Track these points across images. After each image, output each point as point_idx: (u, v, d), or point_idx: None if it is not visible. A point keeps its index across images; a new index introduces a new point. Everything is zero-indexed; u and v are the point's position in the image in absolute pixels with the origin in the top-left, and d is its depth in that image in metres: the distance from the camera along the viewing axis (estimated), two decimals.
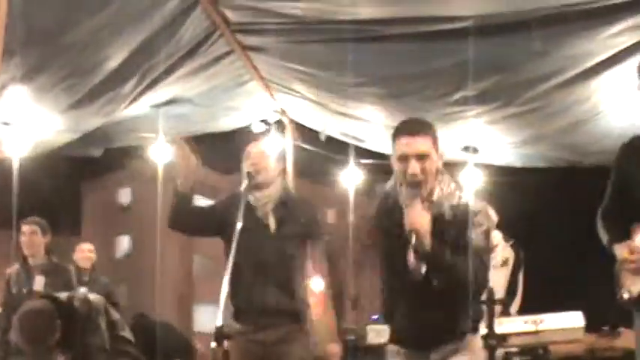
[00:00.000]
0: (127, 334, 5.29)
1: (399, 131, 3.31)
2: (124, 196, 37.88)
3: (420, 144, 3.23)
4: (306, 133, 8.63)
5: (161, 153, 8.06)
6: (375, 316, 7.65)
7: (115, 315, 5.18)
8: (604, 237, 3.80)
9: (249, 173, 4.21)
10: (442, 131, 7.30)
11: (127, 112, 7.32)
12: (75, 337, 4.80)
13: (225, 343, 3.48)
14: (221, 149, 10.13)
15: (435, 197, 3.26)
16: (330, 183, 10.86)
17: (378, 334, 6.26)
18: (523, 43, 5.91)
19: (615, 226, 3.75)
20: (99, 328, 4.92)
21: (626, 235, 3.65)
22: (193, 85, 7.16)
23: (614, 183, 3.83)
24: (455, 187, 3.35)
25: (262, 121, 8.64)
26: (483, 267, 3.26)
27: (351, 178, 8.92)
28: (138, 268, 30.92)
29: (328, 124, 8.09)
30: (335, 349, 4.34)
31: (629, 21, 5.52)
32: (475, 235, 3.23)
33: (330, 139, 8.46)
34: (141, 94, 6.71)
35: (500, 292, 5.52)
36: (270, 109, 8.43)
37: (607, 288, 3.76)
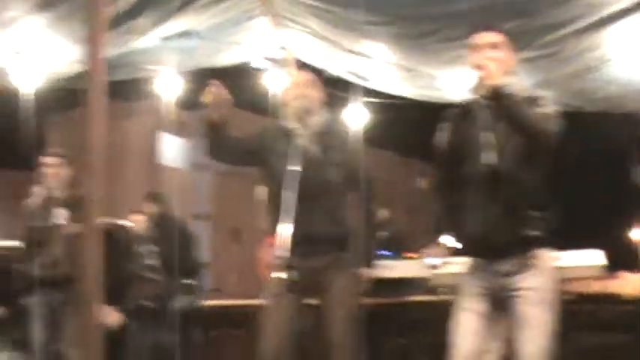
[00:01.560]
0: (153, 261, 5.37)
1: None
2: None
3: (490, 36, 3.67)
4: (308, 71, 8.61)
5: (167, 86, 8.02)
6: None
7: (143, 244, 5.25)
8: None
9: (299, 102, 4.21)
10: (454, 72, 7.44)
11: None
12: (113, 264, 4.84)
13: (291, 273, 3.55)
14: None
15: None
16: None
17: None
18: None
19: None
20: (135, 255, 4.99)
21: None
22: (205, 17, 7.08)
23: None
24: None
25: (265, 57, 8.62)
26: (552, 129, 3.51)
27: (355, 116, 8.93)
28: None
29: (334, 61, 8.08)
30: (368, 273, 4.38)
31: None
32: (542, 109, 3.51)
33: (331, 77, 8.44)
34: (156, 25, 6.63)
35: None
36: (273, 46, 8.39)
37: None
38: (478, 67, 3.56)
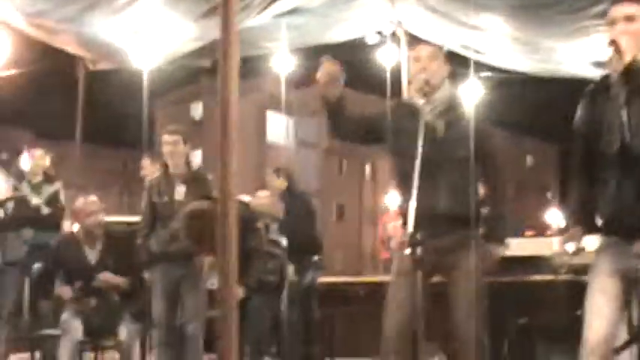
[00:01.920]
0: (276, 236, 5.39)
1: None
2: (196, 110, 38.10)
3: (625, 8, 3.47)
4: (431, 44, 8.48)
5: (283, 63, 8.04)
6: None
7: (267, 220, 5.27)
8: None
9: (423, 77, 4.09)
10: (576, 45, 7.16)
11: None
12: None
13: (418, 250, 3.48)
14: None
15: None
16: None
17: None
18: None
19: None
20: (257, 230, 5.00)
21: None
22: None
23: None
24: None
25: (377, 32, 8.54)
26: None
27: (471, 92, 8.75)
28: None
29: (448, 35, 7.91)
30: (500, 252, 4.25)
31: None
32: None
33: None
34: (270, 3, 6.63)
35: None
36: (386, 21, 8.29)
37: None
38: (611, 42, 3.40)
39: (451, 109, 4.16)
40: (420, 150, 3.74)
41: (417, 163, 3.67)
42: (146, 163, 8.37)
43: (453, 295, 4.07)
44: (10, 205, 7.23)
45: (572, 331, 5.76)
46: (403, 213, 4.02)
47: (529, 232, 6.86)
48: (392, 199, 23.12)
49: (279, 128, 37.37)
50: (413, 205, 3.57)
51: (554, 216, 24.57)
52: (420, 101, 4.04)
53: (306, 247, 6.70)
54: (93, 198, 5.84)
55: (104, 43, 7.19)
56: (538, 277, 5.90)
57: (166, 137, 5.81)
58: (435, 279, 4.18)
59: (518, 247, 6.18)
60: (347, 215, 38.48)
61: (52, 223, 7.39)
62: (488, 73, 8.77)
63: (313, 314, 6.93)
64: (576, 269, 5.79)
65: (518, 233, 6.88)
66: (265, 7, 6.71)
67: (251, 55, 8.86)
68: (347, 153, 40.18)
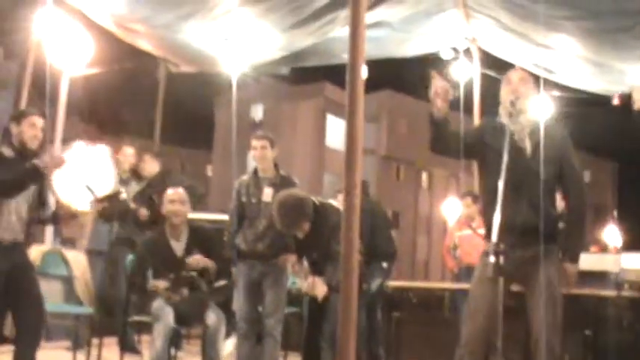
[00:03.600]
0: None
1: None
2: (256, 111, 38.61)
3: None
4: (493, 62, 8.73)
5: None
6: None
7: None
8: None
9: (511, 99, 4.35)
10: None
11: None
12: (323, 239, 5.18)
13: (501, 258, 3.74)
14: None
15: None
16: None
17: None
18: None
19: None
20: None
21: None
22: (400, 9, 7.33)
23: None
24: None
25: (451, 48, 8.80)
26: None
27: (541, 110, 8.95)
28: None
29: (520, 53, 8.15)
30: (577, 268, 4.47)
31: None
32: None
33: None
34: None
35: None
36: (460, 37, 8.56)
37: None
38: None
39: (538, 130, 4.40)
40: (505, 168, 4.03)
41: (502, 179, 3.96)
42: (129, 152, 8.43)
43: (531, 304, 4.30)
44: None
45: (634, 346, 5.97)
46: (487, 224, 4.34)
47: (594, 248, 7.03)
48: (450, 209, 23.07)
49: (338, 133, 37.82)
50: (497, 217, 3.85)
51: (612, 233, 24.35)
52: (509, 122, 4.32)
53: (375, 254, 6.98)
54: (180, 190, 6.07)
55: (194, 48, 7.57)
56: (602, 292, 6.08)
57: (255, 142, 6.11)
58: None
59: (584, 262, 6.37)
60: (402, 223, 38.59)
61: (136, 218, 7.68)
62: (560, 93, 8.94)
63: (377, 320, 7.19)
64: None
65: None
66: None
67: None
68: (404, 160, 40.36)
